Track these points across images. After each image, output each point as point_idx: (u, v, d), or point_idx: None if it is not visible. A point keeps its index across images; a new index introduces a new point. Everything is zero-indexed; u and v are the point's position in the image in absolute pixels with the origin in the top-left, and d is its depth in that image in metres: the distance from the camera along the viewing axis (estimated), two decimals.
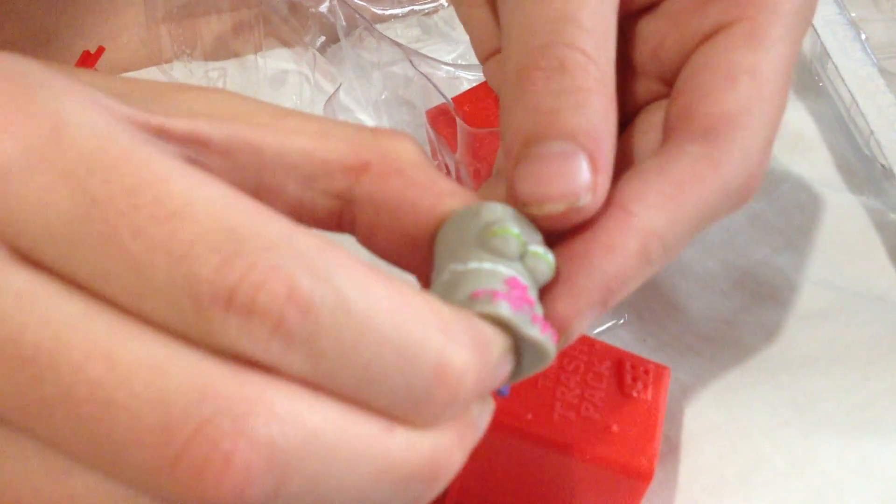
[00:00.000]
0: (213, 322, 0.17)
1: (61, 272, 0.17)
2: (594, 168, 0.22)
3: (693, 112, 0.24)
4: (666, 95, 0.27)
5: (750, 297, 0.38)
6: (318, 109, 0.43)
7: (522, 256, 0.21)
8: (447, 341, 0.18)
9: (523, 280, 0.21)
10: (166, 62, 0.48)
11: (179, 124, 0.20)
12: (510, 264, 0.21)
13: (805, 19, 0.26)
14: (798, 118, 0.46)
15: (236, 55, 0.48)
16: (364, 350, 0.17)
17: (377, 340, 0.17)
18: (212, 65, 0.48)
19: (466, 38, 0.52)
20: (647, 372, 0.31)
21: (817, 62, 0.47)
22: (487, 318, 0.20)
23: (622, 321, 0.37)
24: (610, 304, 0.23)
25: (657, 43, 0.27)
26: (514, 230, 0.21)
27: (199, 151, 0.21)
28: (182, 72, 0.48)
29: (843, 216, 0.42)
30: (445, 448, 0.19)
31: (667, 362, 0.32)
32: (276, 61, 0.47)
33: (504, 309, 0.20)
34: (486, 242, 0.21)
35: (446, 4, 0.50)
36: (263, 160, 0.21)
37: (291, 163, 0.21)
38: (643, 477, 0.29)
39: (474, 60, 0.41)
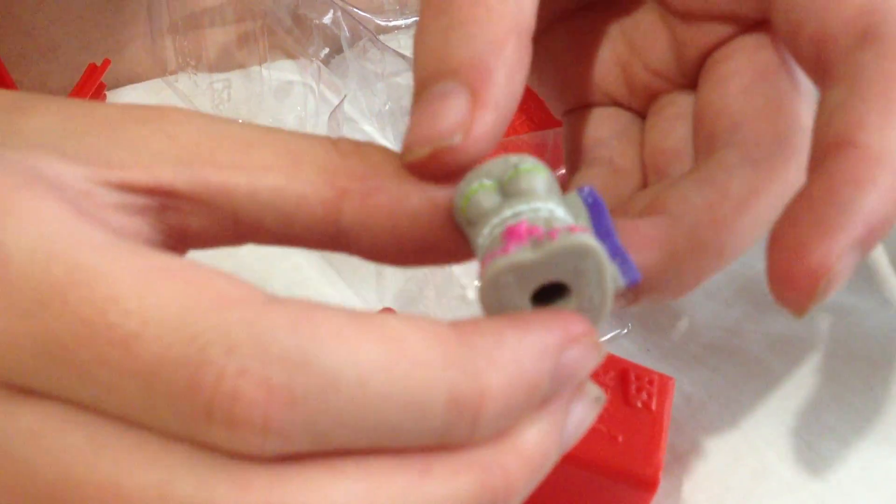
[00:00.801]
0: (205, 433, 0.16)
1: (58, 397, 0.17)
2: (477, 103, 0.20)
3: (830, 29, 0.22)
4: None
5: (753, 307, 0.38)
6: (323, 120, 0.43)
7: (508, 185, 0.20)
8: (455, 373, 0.17)
9: (515, 211, 0.19)
10: (171, 74, 0.48)
11: (141, 176, 0.19)
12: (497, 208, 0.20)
13: None
14: None
15: (241, 66, 0.48)
16: (368, 416, 0.16)
17: (378, 405, 0.16)
18: (216, 76, 0.48)
19: None
20: (651, 382, 0.31)
21: None
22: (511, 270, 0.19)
23: (625, 331, 0.37)
24: (871, 247, 0.20)
25: None
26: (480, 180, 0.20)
27: (165, 200, 0.20)
28: (187, 83, 0.48)
29: None
30: (495, 470, 0.18)
31: (671, 372, 0.32)
32: (281, 72, 0.47)
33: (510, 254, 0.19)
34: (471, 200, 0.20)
35: None
36: (235, 202, 0.20)
37: (265, 202, 0.20)
38: (648, 487, 0.29)
39: None
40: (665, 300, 0.24)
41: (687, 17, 0.26)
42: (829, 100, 0.22)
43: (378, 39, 0.46)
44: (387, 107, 0.47)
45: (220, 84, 0.48)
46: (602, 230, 0.20)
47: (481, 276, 0.19)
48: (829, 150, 0.21)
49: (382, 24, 0.49)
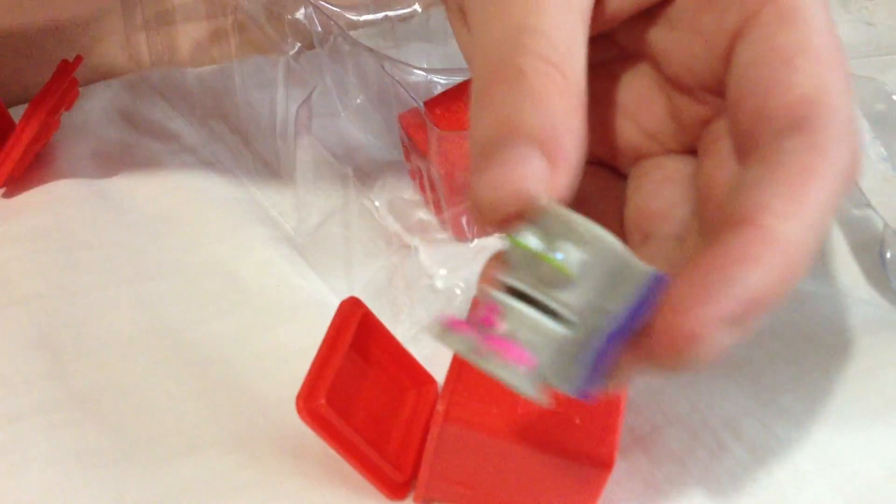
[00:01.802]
0: None
1: None
2: (553, 165, 0.21)
3: (768, 109, 0.23)
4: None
5: None
6: (292, 113, 0.44)
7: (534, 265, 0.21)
8: None
9: (497, 300, 0.21)
10: (145, 69, 0.49)
11: None
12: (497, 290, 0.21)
13: None
14: None
15: (213, 62, 0.49)
16: None
17: None
18: (189, 71, 0.49)
19: (441, 42, 0.53)
20: None
21: None
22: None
23: None
24: (748, 324, 0.20)
25: (685, 56, 0.26)
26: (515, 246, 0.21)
27: None
28: (158, 77, 0.49)
29: None
30: None
31: None
32: (253, 68, 0.48)
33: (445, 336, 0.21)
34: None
35: (420, 10, 0.51)
36: None
37: None
38: (604, 466, 0.30)
39: (448, 64, 0.42)
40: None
41: (680, 85, 0.27)
42: (746, 176, 0.22)
43: (348, 34, 0.46)
44: (358, 101, 0.47)
45: (193, 79, 0.49)
46: (623, 327, 0.21)
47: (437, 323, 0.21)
48: (730, 223, 0.21)
49: (353, 19, 0.50)
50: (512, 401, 0.30)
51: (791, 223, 0.21)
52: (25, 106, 0.41)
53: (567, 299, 0.21)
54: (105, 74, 0.49)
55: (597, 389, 0.21)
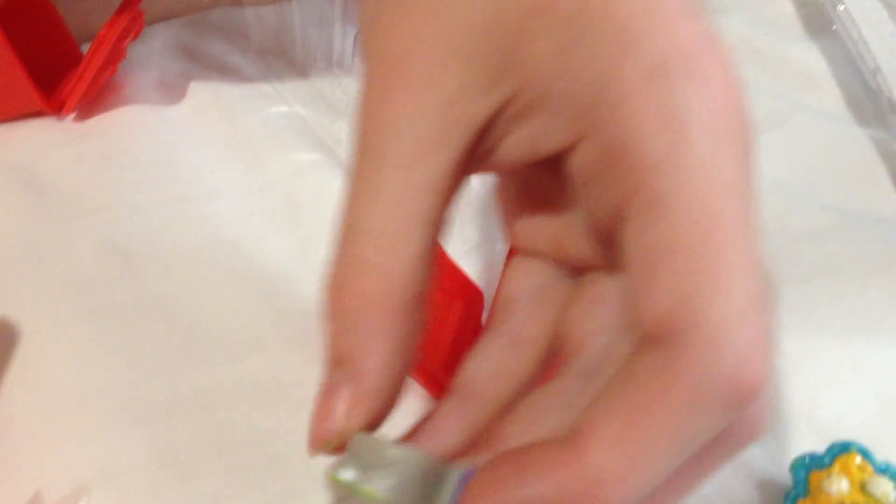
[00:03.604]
0: None
1: None
2: (357, 396, 0.22)
3: (635, 318, 0.20)
4: None
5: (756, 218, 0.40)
6: (349, 45, 0.45)
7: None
8: None
9: None
10: (206, 9, 0.51)
11: None
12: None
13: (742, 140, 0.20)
14: (810, 58, 0.48)
15: (272, 1, 0.51)
16: None
17: None
18: (249, 10, 0.50)
19: None
20: None
21: (828, 4, 0.49)
22: None
23: None
24: None
25: (590, 212, 0.23)
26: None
27: None
28: (219, 16, 0.50)
29: (850, 146, 0.44)
30: None
31: None
32: (311, 6, 0.49)
33: None
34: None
35: None
36: None
37: None
38: None
39: None
40: None
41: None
42: (609, 381, 0.20)
43: None
44: None
45: (253, 17, 0.50)
46: None
47: None
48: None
49: None
50: None
51: (609, 453, 0.19)
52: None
53: None
54: (167, 16, 0.51)
55: None
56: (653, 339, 0.19)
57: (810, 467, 0.29)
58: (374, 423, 0.23)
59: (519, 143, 0.23)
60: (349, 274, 0.22)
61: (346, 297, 0.22)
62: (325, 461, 0.26)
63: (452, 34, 0.22)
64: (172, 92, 0.46)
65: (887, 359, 0.35)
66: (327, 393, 0.22)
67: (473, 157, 0.23)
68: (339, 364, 0.22)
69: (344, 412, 0.22)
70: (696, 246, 0.19)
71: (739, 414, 0.19)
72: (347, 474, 0.22)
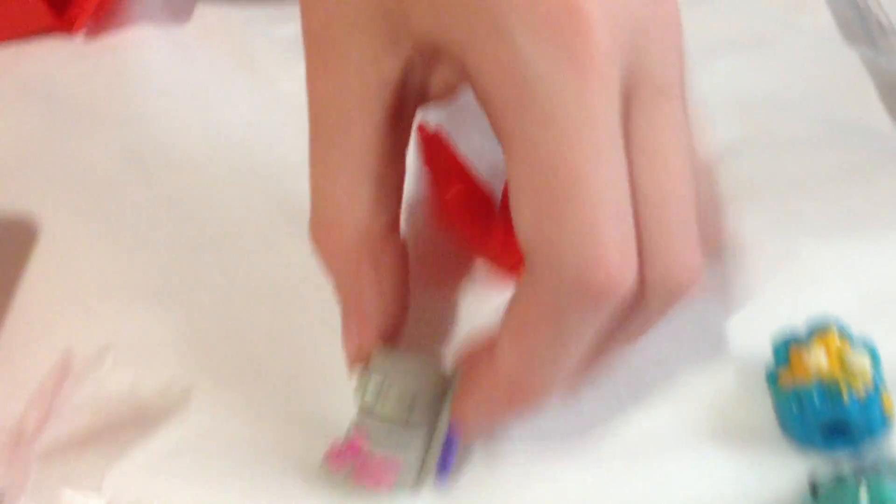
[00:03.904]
0: None
1: None
2: (361, 326, 0.29)
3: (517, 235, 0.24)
4: None
5: (744, 128, 0.41)
6: None
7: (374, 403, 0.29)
8: None
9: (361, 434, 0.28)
10: None
11: None
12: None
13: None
14: None
15: None
16: None
17: None
18: None
19: None
20: None
21: None
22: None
23: None
24: (490, 429, 0.30)
25: None
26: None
27: None
28: None
29: (839, 62, 0.45)
30: None
31: None
32: None
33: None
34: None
35: None
36: None
37: None
38: None
39: None
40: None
41: None
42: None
43: None
44: None
45: None
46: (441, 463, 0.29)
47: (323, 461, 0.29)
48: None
49: None
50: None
51: (509, 355, 0.25)
52: None
53: (415, 414, 0.28)
54: None
55: (449, 472, 0.29)
56: (526, 261, 0.24)
57: (789, 342, 0.31)
58: (388, 336, 0.29)
59: (439, 84, 0.27)
60: (321, 233, 0.28)
61: (324, 252, 0.28)
62: (329, 347, 0.32)
63: (353, 9, 0.26)
64: (180, 13, 0.48)
65: (868, 258, 0.36)
66: (343, 321, 0.29)
67: (406, 105, 0.27)
68: (341, 299, 0.29)
69: (356, 334, 0.29)
70: (541, 183, 0.23)
71: (608, 307, 0.23)
72: (374, 378, 0.29)
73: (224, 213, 0.38)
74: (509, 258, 0.35)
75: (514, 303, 0.25)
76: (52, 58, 0.45)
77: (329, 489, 0.30)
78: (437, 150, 0.36)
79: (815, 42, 0.45)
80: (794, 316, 0.33)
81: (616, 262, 0.23)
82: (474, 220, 0.35)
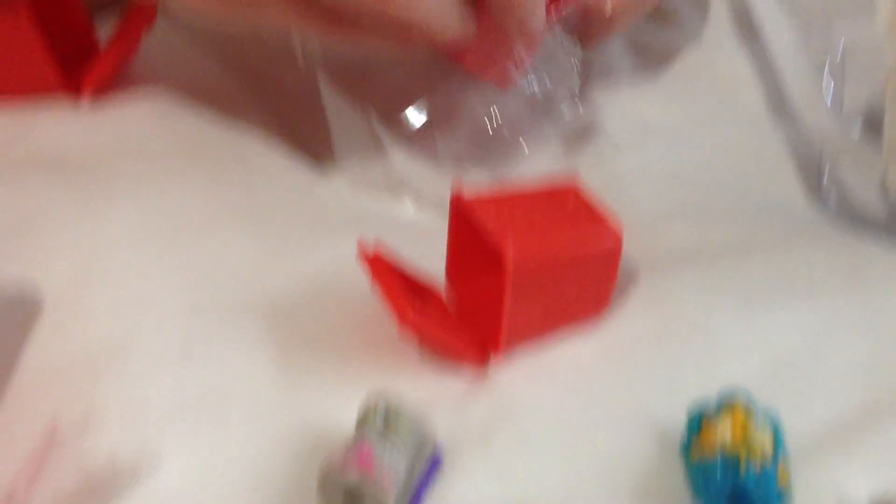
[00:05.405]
0: None
1: None
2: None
3: None
4: None
5: (674, 200, 0.47)
6: None
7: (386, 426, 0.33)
8: None
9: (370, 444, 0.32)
10: None
11: None
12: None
13: None
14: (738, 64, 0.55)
15: None
16: None
17: None
18: None
19: None
20: None
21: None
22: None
23: None
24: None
25: None
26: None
27: None
28: None
29: (763, 141, 0.51)
30: None
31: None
32: None
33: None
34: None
35: None
36: None
37: None
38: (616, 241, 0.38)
39: None
40: None
41: None
42: None
43: None
44: None
45: None
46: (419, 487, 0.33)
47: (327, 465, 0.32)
48: None
49: None
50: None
51: None
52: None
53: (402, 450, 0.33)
54: None
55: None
56: None
57: (701, 413, 0.33)
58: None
59: None
60: None
61: None
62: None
63: None
64: (187, 75, 0.51)
65: (778, 329, 0.39)
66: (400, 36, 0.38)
67: None
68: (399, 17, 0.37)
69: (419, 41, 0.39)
70: None
71: None
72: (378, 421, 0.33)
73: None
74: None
75: None
76: (58, 123, 0.48)
77: None
78: (383, 272, 0.37)
79: (743, 125, 0.51)
80: (709, 386, 0.36)
81: None
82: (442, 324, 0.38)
